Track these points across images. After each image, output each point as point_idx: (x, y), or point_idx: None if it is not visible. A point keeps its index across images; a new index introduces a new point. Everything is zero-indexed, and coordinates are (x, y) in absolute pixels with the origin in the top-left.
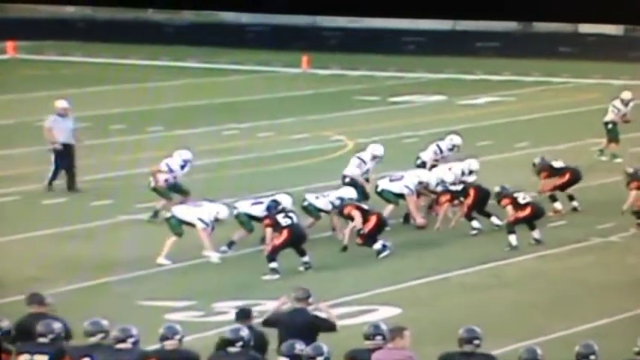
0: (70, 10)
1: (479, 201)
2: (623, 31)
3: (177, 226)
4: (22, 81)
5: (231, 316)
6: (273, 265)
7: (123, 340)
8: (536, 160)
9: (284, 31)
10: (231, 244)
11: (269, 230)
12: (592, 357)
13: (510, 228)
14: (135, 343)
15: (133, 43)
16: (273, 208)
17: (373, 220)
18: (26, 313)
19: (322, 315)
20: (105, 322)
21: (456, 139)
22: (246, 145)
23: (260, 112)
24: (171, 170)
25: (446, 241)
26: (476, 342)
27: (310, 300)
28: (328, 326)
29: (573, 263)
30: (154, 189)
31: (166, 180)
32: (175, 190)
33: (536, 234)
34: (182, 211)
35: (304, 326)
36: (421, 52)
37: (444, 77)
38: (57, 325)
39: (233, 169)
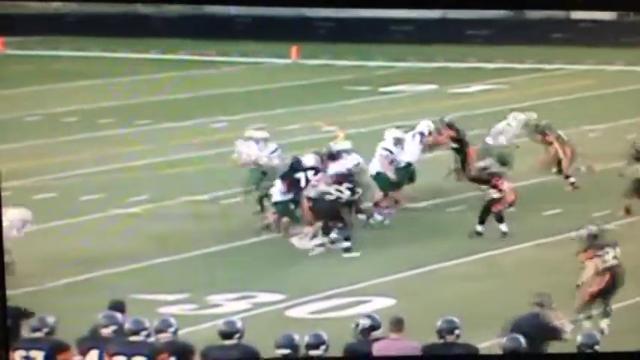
0: (56, 5)
1: None
2: (616, 16)
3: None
4: (10, 76)
5: (226, 308)
6: None
7: (136, 333)
8: None
9: (272, 21)
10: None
11: None
12: (596, 347)
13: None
14: (148, 336)
15: (121, 36)
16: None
17: None
18: None
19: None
20: (119, 315)
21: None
22: (236, 137)
23: (249, 103)
24: None
25: (440, 230)
26: (456, 332)
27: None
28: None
29: (569, 252)
30: None
31: None
32: None
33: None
34: None
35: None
36: (411, 41)
37: (435, 66)
38: (51, 319)
39: (223, 162)
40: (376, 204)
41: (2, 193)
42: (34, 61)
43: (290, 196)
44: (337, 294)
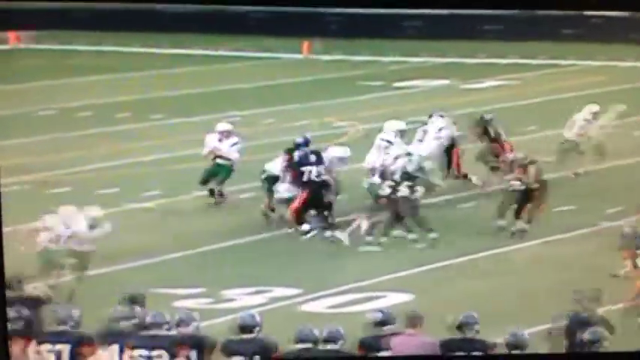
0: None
1: None
2: (628, 13)
3: None
4: (25, 71)
5: (241, 302)
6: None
7: (157, 326)
8: None
9: (285, 17)
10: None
11: None
12: (605, 343)
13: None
14: (168, 330)
15: (135, 30)
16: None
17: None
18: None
19: None
20: (137, 309)
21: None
22: (248, 133)
23: (261, 99)
24: None
25: (455, 226)
26: (476, 327)
27: None
28: None
29: (582, 248)
30: None
31: None
32: None
33: None
34: None
35: None
36: (424, 36)
37: (448, 61)
38: (76, 312)
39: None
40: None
41: (15, 187)
42: (48, 56)
43: (295, 192)
44: (353, 289)
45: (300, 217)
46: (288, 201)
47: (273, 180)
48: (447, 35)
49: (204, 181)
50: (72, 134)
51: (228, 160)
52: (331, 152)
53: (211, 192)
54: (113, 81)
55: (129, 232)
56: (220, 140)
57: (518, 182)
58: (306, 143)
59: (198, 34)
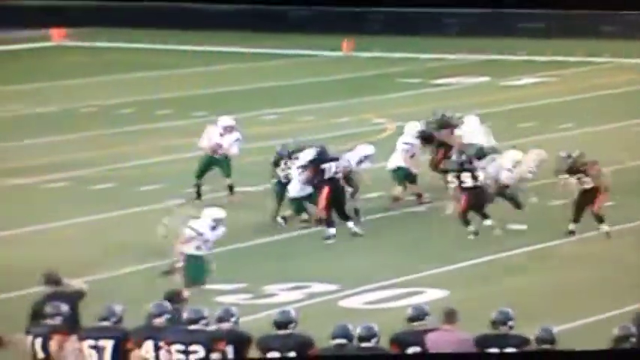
0: None
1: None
2: None
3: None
4: (68, 68)
5: (280, 298)
6: None
7: (195, 322)
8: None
9: (325, 15)
10: None
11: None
12: (632, 339)
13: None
14: (206, 325)
15: (175, 29)
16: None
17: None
18: (43, 293)
19: None
20: (167, 304)
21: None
22: (288, 130)
23: (301, 96)
24: None
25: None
26: (510, 323)
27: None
28: None
29: (617, 245)
30: None
31: None
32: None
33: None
34: None
35: None
36: (463, 34)
37: (487, 58)
38: (118, 308)
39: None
40: (396, 199)
41: (59, 185)
42: (90, 53)
43: (308, 190)
44: (391, 285)
45: (330, 216)
46: (304, 199)
47: (284, 184)
48: (486, 33)
49: (201, 174)
50: (115, 130)
51: (227, 155)
52: (359, 151)
53: (230, 188)
54: (155, 78)
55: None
56: (222, 135)
57: (588, 181)
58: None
59: (239, 32)
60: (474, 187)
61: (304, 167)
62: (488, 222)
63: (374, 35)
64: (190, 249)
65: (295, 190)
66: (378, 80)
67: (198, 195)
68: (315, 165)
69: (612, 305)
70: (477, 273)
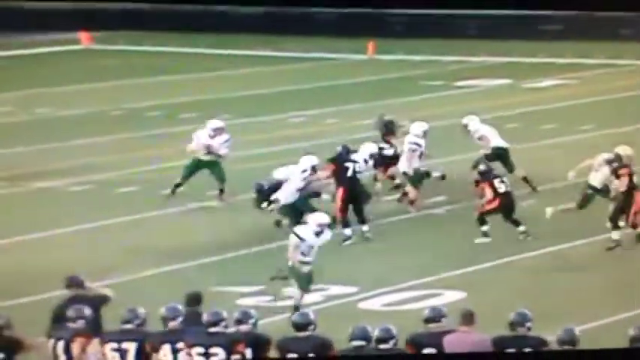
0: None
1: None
2: None
3: None
4: (96, 71)
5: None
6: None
7: (215, 324)
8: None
9: (349, 17)
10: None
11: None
12: None
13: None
14: (226, 327)
15: (201, 32)
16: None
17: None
18: (65, 296)
19: None
20: (179, 307)
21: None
22: (313, 132)
23: (326, 99)
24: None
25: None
26: (528, 325)
27: None
28: None
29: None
30: None
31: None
32: None
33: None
34: None
35: None
36: (484, 36)
37: (508, 60)
38: (142, 311)
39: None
40: (411, 201)
41: (84, 188)
42: (118, 56)
43: (297, 195)
44: (409, 287)
45: (345, 217)
46: (297, 206)
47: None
48: (507, 35)
49: (186, 178)
50: (141, 134)
51: (218, 156)
52: (365, 150)
53: (221, 191)
54: (180, 81)
55: (193, 231)
56: (212, 137)
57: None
58: (347, 151)
59: (263, 35)
60: (506, 193)
61: (313, 169)
62: (521, 228)
63: (396, 38)
64: (298, 256)
65: (286, 196)
66: (401, 83)
67: (173, 192)
68: (339, 162)
69: (628, 307)
70: (494, 275)
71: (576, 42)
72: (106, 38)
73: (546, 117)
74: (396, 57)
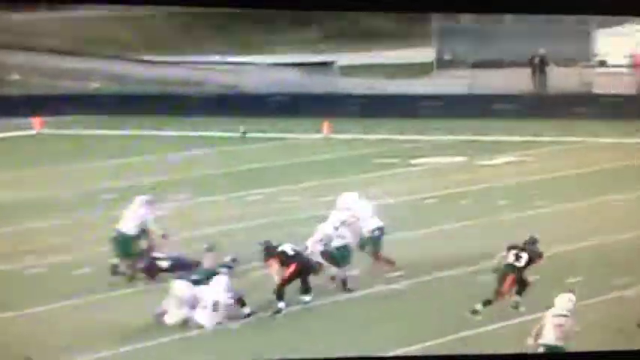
0: (94, 86)
1: None
2: (636, 91)
3: None
4: (49, 155)
5: None
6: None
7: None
8: None
9: (304, 99)
10: None
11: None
12: None
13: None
14: None
15: (155, 115)
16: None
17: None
18: None
19: None
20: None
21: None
22: (271, 210)
23: (283, 177)
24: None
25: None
26: None
27: None
28: None
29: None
30: None
31: None
32: None
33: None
34: None
35: None
36: (438, 115)
37: (461, 139)
38: None
39: (258, 232)
40: (332, 278)
41: (40, 270)
42: (70, 140)
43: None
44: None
45: (282, 292)
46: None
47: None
48: (461, 114)
49: (126, 254)
50: (95, 215)
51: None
52: (333, 219)
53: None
54: (136, 163)
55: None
56: (141, 211)
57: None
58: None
59: (221, 117)
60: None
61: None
62: (517, 298)
63: (352, 117)
64: (320, 247)
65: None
66: (356, 161)
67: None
68: (274, 255)
69: None
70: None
71: (530, 120)
72: (58, 123)
73: (501, 193)
74: (351, 136)
